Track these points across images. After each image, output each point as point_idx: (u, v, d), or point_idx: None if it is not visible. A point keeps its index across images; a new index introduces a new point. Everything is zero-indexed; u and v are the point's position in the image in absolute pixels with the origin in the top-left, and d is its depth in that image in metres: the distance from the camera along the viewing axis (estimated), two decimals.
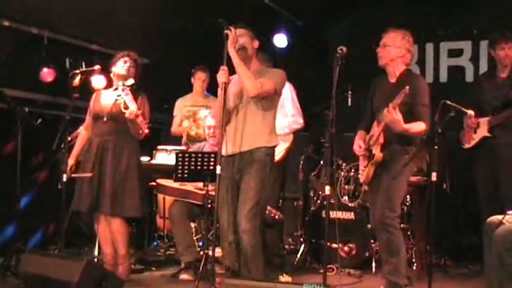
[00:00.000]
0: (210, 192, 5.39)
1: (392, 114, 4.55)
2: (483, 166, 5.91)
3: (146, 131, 5.17)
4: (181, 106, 7.17)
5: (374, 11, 8.07)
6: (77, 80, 5.41)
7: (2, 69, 6.16)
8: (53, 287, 4.38)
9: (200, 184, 5.77)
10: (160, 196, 6.88)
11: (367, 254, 6.13)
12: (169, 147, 6.82)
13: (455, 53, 7.79)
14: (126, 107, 5.06)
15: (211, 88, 7.02)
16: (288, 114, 6.43)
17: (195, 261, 5.66)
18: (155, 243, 7.32)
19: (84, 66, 5.95)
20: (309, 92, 7.06)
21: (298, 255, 6.47)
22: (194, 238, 6.28)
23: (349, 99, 7.12)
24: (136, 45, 5.98)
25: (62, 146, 5.50)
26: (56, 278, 4.33)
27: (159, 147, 6.91)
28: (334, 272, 5.64)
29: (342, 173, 6.60)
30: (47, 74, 6.37)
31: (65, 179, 5.30)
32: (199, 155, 5.46)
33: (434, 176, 4.56)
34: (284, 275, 5.57)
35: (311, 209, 6.81)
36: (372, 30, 7.96)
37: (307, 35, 8.20)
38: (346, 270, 5.96)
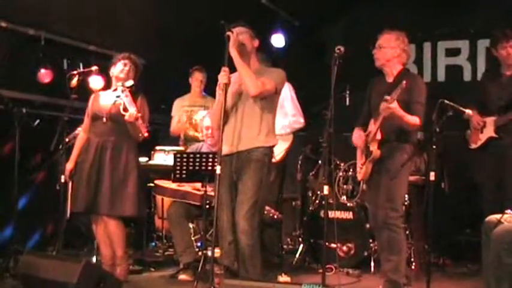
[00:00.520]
0: (208, 193, 5.40)
1: (389, 104, 4.58)
2: (489, 167, 5.87)
3: (146, 134, 5.14)
4: (179, 106, 7.18)
5: (371, 10, 8.07)
6: (74, 81, 5.41)
7: None
8: None
9: (198, 185, 5.78)
10: (158, 197, 6.88)
11: (365, 254, 6.13)
12: (167, 148, 6.82)
13: (453, 52, 7.79)
14: (126, 109, 5.06)
15: (209, 88, 7.03)
16: (289, 114, 6.44)
17: (193, 262, 5.66)
18: (154, 243, 7.31)
19: (81, 67, 5.95)
20: (306, 92, 7.06)
21: (297, 255, 6.46)
22: (193, 238, 6.27)
23: (347, 99, 7.12)
24: (134, 45, 5.98)
25: (60, 147, 5.50)
26: (54, 279, 4.33)
27: (157, 147, 6.92)
28: (333, 271, 5.64)
29: (340, 173, 6.60)
30: (45, 75, 6.37)
31: (62, 180, 5.29)
32: (197, 156, 5.46)
33: (432, 176, 4.56)
34: (283, 274, 5.57)
35: (309, 208, 6.81)
36: (369, 30, 7.95)
37: (304, 35, 8.20)
38: (345, 269, 5.96)
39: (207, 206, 5.42)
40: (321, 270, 4.54)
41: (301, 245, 6.54)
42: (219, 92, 4.85)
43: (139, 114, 5.04)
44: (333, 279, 5.03)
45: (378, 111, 4.79)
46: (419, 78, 5.12)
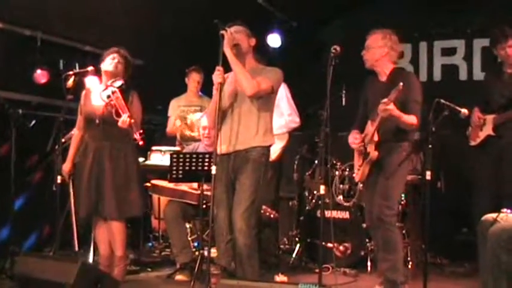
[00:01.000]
0: (205, 193, 5.40)
1: (387, 106, 4.58)
2: (486, 165, 5.89)
3: (141, 142, 5.07)
4: (176, 106, 7.19)
5: (368, 11, 8.08)
6: (70, 82, 5.39)
7: None
8: None
9: (195, 184, 5.78)
10: (155, 197, 6.89)
11: (362, 253, 6.13)
12: (163, 148, 6.81)
13: (449, 52, 7.80)
14: (118, 114, 5.00)
15: (205, 89, 7.03)
16: (284, 113, 6.44)
17: (190, 262, 5.66)
18: (150, 244, 7.31)
19: (77, 67, 5.94)
20: (303, 92, 7.07)
21: (294, 255, 6.46)
22: (189, 238, 6.28)
23: (343, 99, 7.12)
24: (130, 46, 5.96)
25: (56, 147, 5.49)
26: (51, 280, 4.32)
27: (154, 148, 6.91)
28: (330, 271, 5.65)
29: (337, 173, 6.61)
30: (41, 76, 6.37)
31: (59, 181, 5.28)
32: (194, 156, 5.47)
33: (428, 175, 4.57)
34: (279, 274, 5.57)
35: (306, 208, 6.81)
36: (366, 30, 8.00)
37: (301, 36, 8.20)
38: (342, 269, 5.96)
39: (204, 206, 5.42)
40: (317, 270, 4.54)
41: (298, 245, 6.54)
42: (215, 91, 4.83)
43: (133, 121, 4.97)
44: (329, 279, 5.04)
45: (375, 112, 4.78)
46: (413, 76, 5.12)
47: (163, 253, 6.91)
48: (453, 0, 7.51)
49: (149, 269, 6.17)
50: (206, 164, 5.35)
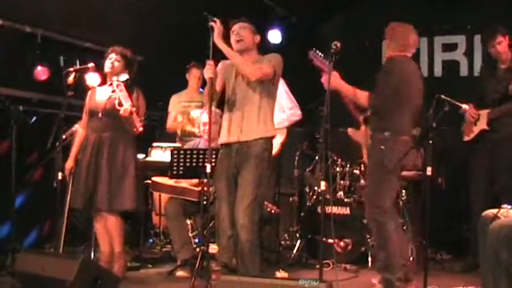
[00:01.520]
0: (205, 189, 5.40)
1: None
2: (480, 159, 5.94)
3: (140, 129, 5.12)
4: (176, 102, 7.18)
5: (368, 6, 8.08)
6: (71, 78, 5.40)
7: None
8: (49, 286, 4.37)
9: (195, 181, 5.78)
10: (156, 193, 6.88)
11: (363, 249, 6.14)
12: (164, 145, 6.81)
13: (450, 48, 7.80)
14: (121, 104, 5.04)
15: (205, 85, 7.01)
16: (285, 107, 6.39)
17: (191, 258, 5.67)
18: (151, 240, 7.31)
19: (78, 64, 5.94)
20: (303, 88, 7.06)
21: (294, 251, 6.47)
22: (190, 235, 6.28)
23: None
24: (130, 42, 5.95)
25: (57, 144, 5.50)
26: (52, 277, 4.32)
27: (154, 144, 6.91)
28: (330, 267, 5.65)
29: (338, 169, 6.60)
30: (41, 73, 6.37)
31: (60, 178, 5.29)
32: (194, 152, 5.47)
33: (429, 171, 4.56)
34: (280, 270, 5.58)
35: (307, 204, 6.81)
36: (366, 25, 8.03)
37: (301, 31, 8.19)
38: (342, 265, 5.97)
39: (205, 202, 5.42)
40: (318, 266, 4.53)
41: (299, 241, 6.54)
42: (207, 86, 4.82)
43: (134, 109, 5.02)
44: (330, 275, 5.02)
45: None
46: (392, 63, 5.06)
47: (164, 249, 6.91)
48: None
49: (150, 265, 6.17)
50: (207, 160, 5.35)
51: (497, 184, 5.78)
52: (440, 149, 5.55)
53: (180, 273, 5.69)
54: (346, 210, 6.26)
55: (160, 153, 6.75)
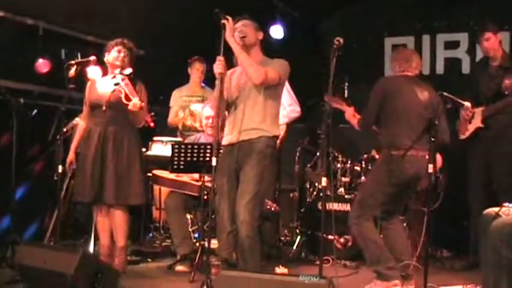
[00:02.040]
0: (206, 184, 5.40)
1: None
2: (477, 157, 5.95)
3: (152, 124, 5.15)
4: (178, 97, 7.16)
5: (370, 2, 8.06)
6: (72, 71, 5.38)
7: None
8: (49, 279, 4.36)
9: (196, 175, 5.77)
10: (156, 187, 6.88)
11: None
12: (165, 139, 6.81)
13: (452, 45, 7.78)
14: (128, 98, 5.03)
15: (208, 80, 7.01)
16: (285, 104, 6.36)
17: (191, 253, 5.67)
18: (151, 234, 7.31)
19: (79, 57, 5.92)
20: (305, 84, 7.05)
21: (294, 247, 6.47)
22: (190, 229, 6.28)
23: (346, 91, 7.11)
24: (132, 36, 5.93)
25: (58, 137, 5.49)
26: (52, 270, 4.32)
27: (155, 138, 6.91)
28: (330, 263, 5.65)
29: (339, 165, 6.60)
30: (43, 65, 6.35)
31: (60, 171, 5.28)
32: (195, 146, 5.46)
33: (430, 168, 4.55)
34: (280, 266, 5.57)
35: (307, 200, 6.80)
36: (368, 22, 8.02)
37: (303, 26, 8.18)
38: (342, 261, 5.97)
39: (205, 197, 5.41)
40: (318, 262, 4.53)
41: (299, 237, 6.54)
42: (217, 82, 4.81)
43: (143, 104, 5.03)
44: (330, 271, 5.03)
45: None
46: (377, 82, 5.16)
47: (163, 244, 6.91)
48: None
49: (149, 260, 6.17)
50: (208, 154, 5.35)
51: (495, 182, 5.78)
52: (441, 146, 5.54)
53: (179, 267, 5.69)
54: (347, 207, 6.25)
55: (161, 147, 6.75)
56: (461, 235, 6.39)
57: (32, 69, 6.31)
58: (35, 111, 5.81)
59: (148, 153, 6.71)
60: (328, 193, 5.93)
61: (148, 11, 6.83)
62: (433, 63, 7.86)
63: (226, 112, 4.95)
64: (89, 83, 5.46)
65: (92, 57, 5.56)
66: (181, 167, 5.50)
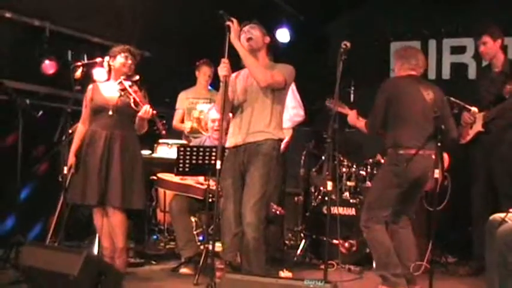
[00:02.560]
0: (211, 187, 5.39)
1: None
2: (478, 162, 5.95)
3: (163, 132, 5.17)
4: (184, 99, 7.15)
5: (376, 6, 8.07)
6: (78, 73, 5.38)
7: (3, 61, 6.14)
8: (53, 280, 4.36)
9: (201, 178, 5.77)
10: (161, 190, 6.87)
11: (367, 250, 6.09)
12: (170, 141, 6.80)
13: (458, 50, 7.78)
14: (137, 105, 5.05)
15: (214, 83, 7.01)
16: (288, 106, 6.32)
17: (195, 256, 5.66)
18: (155, 237, 7.30)
19: (85, 58, 5.93)
20: (310, 87, 7.04)
21: (299, 251, 6.46)
22: (194, 232, 6.27)
23: (352, 95, 7.10)
24: (138, 38, 5.96)
25: (63, 138, 5.48)
26: (56, 271, 4.31)
27: (160, 140, 6.89)
28: (335, 268, 5.64)
29: (344, 169, 6.58)
30: (49, 66, 6.37)
31: (65, 171, 5.28)
32: (201, 149, 5.46)
33: (436, 173, 4.54)
34: (284, 270, 5.57)
35: (312, 204, 6.79)
36: (374, 26, 8.02)
37: (309, 30, 8.18)
38: (347, 266, 5.96)
39: (210, 200, 5.41)
40: (322, 266, 4.53)
41: (303, 241, 6.52)
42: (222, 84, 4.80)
43: (155, 112, 5.04)
44: (334, 275, 5.02)
45: None
46: (383, 84, 5.13)
47: (168, 246, 6.90)
48: None
49: (154, 262, 6.17)
50: (213, 157, 5.35)
51: (496, 185, 5.79)
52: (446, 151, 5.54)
53: (184, 270, 5.69)
54: (352, 211, 6.24)
55: (166, 150, 6.74)
56: (465, 240, 6.37)
57: (38, 70, 6.33)
58: (41, 112, 5.81)
59: (154, 155, 6.71)
60: (333, 197, 5.92)
61: (153, 12, 6.83)
62: (439, 68, 7.86)
63: (230, 114, 4.95)
64: (90, 87, 5.43)
65: (98, 59, 5.56)
66: (187, 169, 5.50)
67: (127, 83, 5.18)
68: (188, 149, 5.54)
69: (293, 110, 6.35)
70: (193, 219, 6.35)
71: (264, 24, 4.99)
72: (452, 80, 7.78)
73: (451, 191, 6.15)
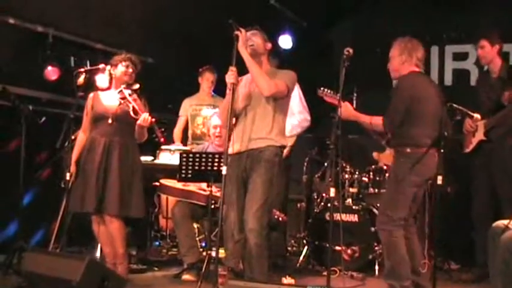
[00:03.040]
0: (213, 193, 5.39)
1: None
2: (480, 170, 5.94)
3: (162, 139, 5.16)
4: (188, 106, 7.17)
5: (379, 13, 8.07)
6: (81, 79, 5.38)
7: (6, 67, 6.15)
8: (55, 286, 4.36)
9: (203, 185, 5.76)
10: (163, 196, 6.88)
11: (370, 257, 6.11)
12: (172, 147, 6.80)
13: (461, 57, 7.78)
14: (136, 113, 5.05)
15: (217, 89, 7.02)
16: (294, 110, 6.31)
17: (197, 262, 5.65)
18: (158, 243, 7.31)
19: (88, 64, 5.94)
20: (313, 93, 7.04)
21: (301, 257, 6.45)
22: (197, 239, 6.27)
23: (354, 101, 7.09)
24: (140, 44, 5.96)
25: (66, 144, 5.49)
26: (58, 277, 4.31)
27: (163, 147, 6.88)
28: (337, 274, 5.63)
29: (346, 175, 6.58)
30: (52, 72, 6.38)
31: (68, 178, 5.28)
32: (204, 155, 5.46)
33: (439, 180, 4.53)
34: (287, 276, 5.55)
35: (314, 210, 6.79)
36: (377, 32, 8.02)
37: (311, 36, 8.18)
38: (349, 272, 5.93)
39: (213, 206, 5.40)
40: (325, 273, 4.52)
41: (306, 247, 6.51)
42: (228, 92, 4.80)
43: (154, 120, 5.04)
44: (337, 282, 5.02)
45: None
46: (402, 81, 4.95)
47: (170, 252, 6.90)
48: (465, 5, 7.48)
49: (156, 268, 6.16)
50: (216, 164, 5.35)
51: (498, 192, 5.78)
52: (449, 157, 5.54)
53: (186, 276, 5.68)
54: (354, 218, 6.23)
55: (168, 156, 6.72)
56: (468, 247, 6.36)
57: (41, 76, 6.34)
58: (44, 118, 5.82)
59: (156, 161, 6.70)
60: (336, 203, 5.91)
61: (156, 19, 6.84)
62: (442, 74, 7.86)
63: (233, 120, 4.95)
64: (91, 96, 5.43)
65: (101, 65, 5.57)
66: (189, 175, 5.49)
67: (127, 92, 5.19)
68: (191, 155, 5.54)
69: (300, 115, 6.35)
70: (195, 225, 6.35)
71: (267, 31, 5.01)
72: (454, 86, 7.77)
73: (453, 196, 6.18)
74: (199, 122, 6.96)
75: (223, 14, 4.75)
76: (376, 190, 6.43)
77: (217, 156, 5.37)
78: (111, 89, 5.39)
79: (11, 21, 6.02)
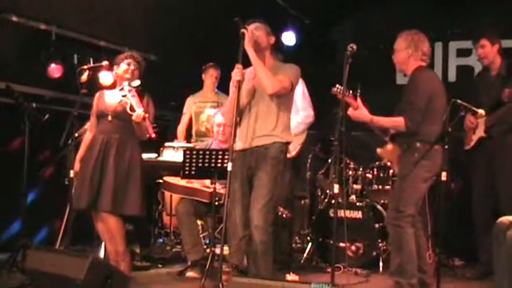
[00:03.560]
0: (217, 190, 5.39)
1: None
2: (480, 168, 5.94)
3: (153, 135, 5.11)
4: (191, 103, 7.18)
5: (382, 9, 8.05)
6: (84, 76, 5.38)
7: (10, 65, 6.15)
8: (59, 284, 4.36)
9: (207, 182, 5.76)
10: (167, 193, 6.87)
11: (374, 254, 6.11)
12: (176, 144, 6.80)
13: (464, 53, 7.75)
14: (133, 109, 5.02)
15: (221, 85, 7.01)
16: (299, 106, 6.29)
17: (201, 259, 5.65)
18: (162, 240, 7.31)
19: (92, 62, 5.93)
20: (317, 91, 7.03)
21: (305, 254, 6.45)
22: (201, 236, 6.26)
23: (358, 98, 7.07)
24: (144, 41, 5.95)
25: (69, 142, 5.48)
26: (62, 275, 4.31)
27: (166, 144, 6.89)
28: (341, 271, 5.62)
29: (350, 172, 6.57)
30: (55, 70, 6.37)
31: (71, 175, 5.28)
32: (207, 152, 5.45)
33: (444, 176, 4.52)
34: (291, 273, 5.55)
35: (318, 207, 6.78)
36: (380, 28, 8.01)
37: (315, 33, 8.17)
38: (353, 269, 5.93)
39: (216, 203, 5.40)
40: (329, 270, 4.51)
41: (310, 244, 6.51)
42: (232, 89, 4.79)
43: (147, 115, 5.00)
44: (341, 279, 5.01)
45: None
46: (420, 77, 4.90)
47: (174, 250, 6.90)
48: (469, 1, 7.46)
49: (160, 265, 6.17)
50: (219, 160, 5.34)
51: (497, 189, 5.77)
52: (453, 153, 5.53)
53: (190, 273, 5.68)
54: (358, 214, 6.23)
55: (172, 153, 6.73)
56: (472, 243, 6.35)
57: (45, 73, 6.34)
58: (47, 115, 5.81)
59: (160, 159, 6.70)
60: (340, 200, 5.90)
61: (160, 16, 6.84)
62: (445, 70, 7.84)
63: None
64: (97, 95, 5.43)
65: (105, 63, 5.56)
66: (193, 172, 5.49)
67: (127, 88, 5.17)
68: (194, 152, 5.54)
69: (303, 111, 6.32)
70: (199, 222, 6.35)
71: (270, 27, 4.99)
72: (458, 82, 7.75)
73: (456, 194, 6.17)
74: (203, 119, 6.96)
75: (227, 11, 4.75)
76: (380, 187, 6.44)
77: (220, 152, 5.36)
78: (116, 88, 5.38)
79: (14, 19, 6.02)
